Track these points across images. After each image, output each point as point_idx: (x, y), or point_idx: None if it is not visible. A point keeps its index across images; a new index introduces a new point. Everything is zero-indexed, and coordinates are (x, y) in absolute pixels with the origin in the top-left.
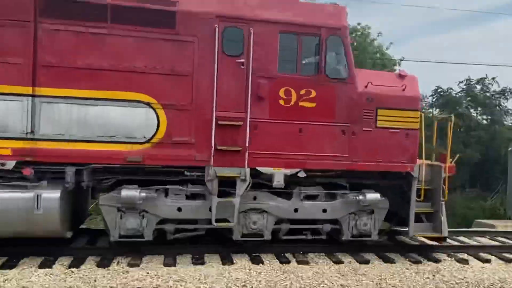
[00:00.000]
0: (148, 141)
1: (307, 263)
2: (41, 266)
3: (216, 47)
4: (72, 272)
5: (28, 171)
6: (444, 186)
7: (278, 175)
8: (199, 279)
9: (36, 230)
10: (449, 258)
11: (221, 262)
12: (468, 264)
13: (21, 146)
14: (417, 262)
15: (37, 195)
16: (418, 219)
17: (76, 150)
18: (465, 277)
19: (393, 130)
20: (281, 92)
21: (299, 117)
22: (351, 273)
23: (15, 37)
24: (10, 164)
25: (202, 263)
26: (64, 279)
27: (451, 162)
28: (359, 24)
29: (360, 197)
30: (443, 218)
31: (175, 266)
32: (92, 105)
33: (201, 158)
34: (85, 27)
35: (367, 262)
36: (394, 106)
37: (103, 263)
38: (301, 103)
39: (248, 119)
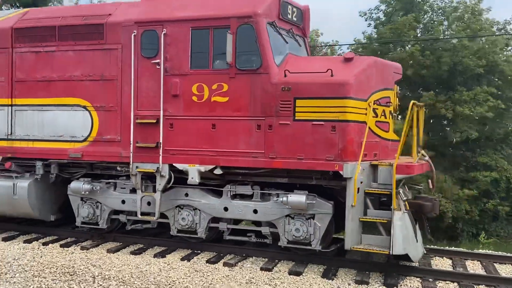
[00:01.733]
0: (85, 140)
1: (231, 265)
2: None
3: (134, 51)
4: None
5: (8, 165)
6: (402, 190)
7: (192, 171)
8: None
9: (17, 212)
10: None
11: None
12: None
13: (5, 145)
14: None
15: (14, 184)
16: (374, 229)
17: (37, 148)
18: None
19: (316, 123)
20: (194, 89)
21: (211, 113)
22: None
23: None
24: None
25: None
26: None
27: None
28: None
29: (283, 198)
30: (395, 231)
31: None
32: (46, 110)
33: (125, 154)
34: (42, 46)
35: (298, 274)
36: (316, 95)
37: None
38: (213, 98)
39: (162, 117)
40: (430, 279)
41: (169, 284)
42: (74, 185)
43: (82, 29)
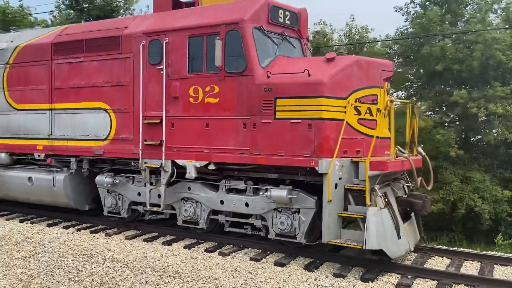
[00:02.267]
0: (106, 139)
1: (225, 255)
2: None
3: (143, 59)
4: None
5: (49, 160)
6: (376, 187)
7: (190, 167)
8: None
9: (57, 201)
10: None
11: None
12: None
13: (46, 143)
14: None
15: (53, 177)
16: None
17: (70, 146)
18: None
19: (294, 121)
20: (191, 91)
21: (205, 113)
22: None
23: (41, 72)
24: (42, 156)
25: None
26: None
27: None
28: None
29: (268, 193)
30: (369, 226)
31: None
32: (77, 113)
33: (136, 151)
34: (73, 58)
35: (282, 265)
36: (293, 94)
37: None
38: (206, 100)
39: (164, 117)
40: (410, 276)
41: (163, 268)
42: (98, 178)
43: (103, 41)
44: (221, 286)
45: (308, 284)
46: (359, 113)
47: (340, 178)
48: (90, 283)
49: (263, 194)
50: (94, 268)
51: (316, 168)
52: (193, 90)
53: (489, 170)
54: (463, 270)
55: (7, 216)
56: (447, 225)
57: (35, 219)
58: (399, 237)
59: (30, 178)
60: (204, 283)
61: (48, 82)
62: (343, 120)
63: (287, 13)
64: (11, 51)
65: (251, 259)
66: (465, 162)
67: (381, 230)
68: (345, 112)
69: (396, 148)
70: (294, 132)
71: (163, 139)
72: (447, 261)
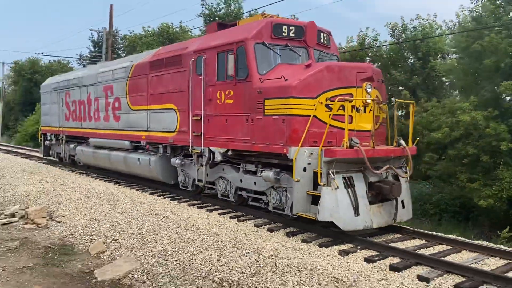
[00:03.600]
0: (174, 131)
1: (240, 221)
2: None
3: (192, 71)
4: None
5: (147, 147)
6: (330, 171)
7: (217, 152)
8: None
9: (152, 176)
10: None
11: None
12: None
13: (145, 134)
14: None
15: (149, 159)
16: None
17: (157, 136)
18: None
19: (275, 117)
20: (218, 94)
21: (225, 111)
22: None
23: (143, 83)
24: (144, 143)
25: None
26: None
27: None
28: None
29: (262, 173)
30: (322, 202)
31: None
32: (160, 112)
33: (189, 140)
34: (158, 72)
35: (271, 230)
36: (274, 95)
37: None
38: (226, 101)
39: (203, 115)
40: (359, 246)
41: (191, 224)
42: (172, 160)
43: (173, 59)
44: (221, 237)
45: (278, 244)
46: (331, 109)
47: (309, 163)
48: (146, 229)
49: (259, 175)
50: (152, 221)
51: (287, 154)
52: (219, 93)
53: None
54: (425, 251)
55: (125, 184)
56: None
57: (140, 187)
58: (356, 214)
59: (138, 159)
60: (216, 233)
61: (147, 90)
62: (309, 116)
63: (291, 27)
64: (130, 68)
65: (254, 225)
66: None
67: (334, 206)
68: (314, 109)
69: (396, 140)
70: (275, 126)
71: (202, 131)
72: (421, 242)
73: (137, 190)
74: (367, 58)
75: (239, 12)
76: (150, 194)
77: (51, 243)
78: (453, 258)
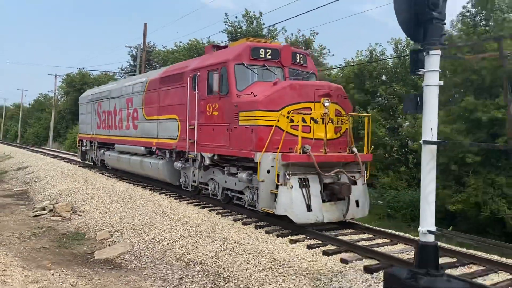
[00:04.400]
0: (176, 138)
1: (222, 216)
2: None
3: (189, 86)
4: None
5: (157, 152)
6: (286, 173)
7: (206, 157)
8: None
9: (160, 177)
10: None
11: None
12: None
13: (155, 141)
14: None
15: (158, 162)
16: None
17: (164, 143)
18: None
19: (246, 127)
20: (207, 107)
21: (212, 121)
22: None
23: (155, 96)
24: (154, 148)
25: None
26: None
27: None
28: None
29: (237, 175)
30: (278, 198)
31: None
32: (166, 122)
33: (186, 146)
34: (165, 87)
35: (245, 224)
36: (246, 109)
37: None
38: (213, 113)
39: (196, 124)
40: (309, 237)
41: (182, 218)
42: (174, 163)
43: (177, 76)
44: (201, 228)
45: (244, 234)
46: (292, 121)
47: (272, 166)
48: (145, 221)
49: (236, 176)
50: (152, 215)
51: (254, 158)
52: (208, 106)
53: None
54: (365, 243)
55: (141, 185)
56: (478, 228)
57: (152, 188)
58: (309, 210)
59: (150, 162)
60: (198, 225)
61: (157, 102)
62: (272, 126)
63: (268, 50)
64: (145, 83)
65: (233, 219)
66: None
67: (288, 202)
68: (277, 120)
69: (350, 147)
70: (246, 134)
71: (195, 139)
72: (368, 236)
73: (149, 190)
74: (375, 72)
75: (260, 28)
76: (160, 194)
77: (68, 231)
78: (385, 249)
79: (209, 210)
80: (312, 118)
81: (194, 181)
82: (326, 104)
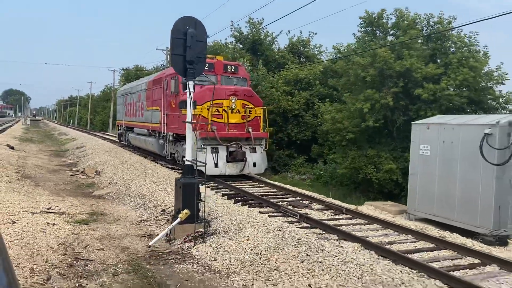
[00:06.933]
0: (159, 123)
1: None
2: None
3: (163, 88)
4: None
5: (151, 133)
6: (202, 144)
7: (169, 135)
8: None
9: (155, 151)
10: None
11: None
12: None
13: (150, 125)
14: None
15: (152, 139)
16: None
17: (154, 126)
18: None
19: (182, 114)
20: (171, 102)
21: (172, 111)
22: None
23: (149, 93)
24: (150, 130)
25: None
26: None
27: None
28: None
29: (182, 146)
30: (198, 158)
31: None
32: (154, 111)
33: (162, 128)
34: (155, 87)
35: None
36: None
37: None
38: (172, 105)
39: (166, 113)
40: (216, 184)
41: (152, 173)
42: (159, 141)
43: (158, 80)
44: (159, 177)
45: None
46: (208, 110)
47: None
48: (132, 176)
49: (182, 146)
50: (137, 173)
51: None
52: (172, 101)
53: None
54: (249, 188)
55: (148, 158)
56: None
57: (147, 156)
58: (216, 166)
59: (149, 140)
60: (158, 176)
61: (151, 97)
62: (199, 115)
63: (205, 63)
64: (147, 83)
65: (178, 173)
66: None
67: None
68: (201, 110)
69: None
70: (181, 119)
71: (166, 122)
72: (258, 184)
73: (150, 160)
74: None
75: (266, 36)
76: (154, 162)
77: (86, 182)
78: (265, 191)
79: (174, 170)
80: (224, 109)
81: (167, 152)
82: (233, 100)
